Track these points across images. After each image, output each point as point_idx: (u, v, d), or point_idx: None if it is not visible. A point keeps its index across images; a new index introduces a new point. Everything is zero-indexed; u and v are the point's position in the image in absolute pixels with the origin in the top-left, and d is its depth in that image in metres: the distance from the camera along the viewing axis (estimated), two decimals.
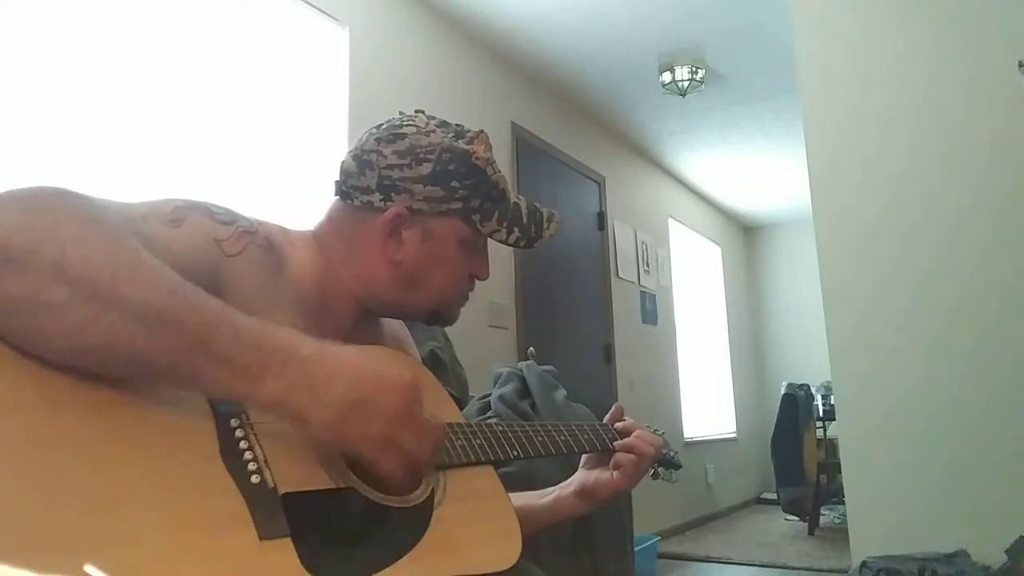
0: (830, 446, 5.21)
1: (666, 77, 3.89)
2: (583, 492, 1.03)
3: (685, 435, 5.24)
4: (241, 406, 0.67)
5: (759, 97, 4.30)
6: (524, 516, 0.92)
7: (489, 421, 0.95)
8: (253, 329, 0.63)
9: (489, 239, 0.92)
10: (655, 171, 5.42)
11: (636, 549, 2.41)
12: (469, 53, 3.52)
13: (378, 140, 0.86)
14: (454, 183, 0.86)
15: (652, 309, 5.04)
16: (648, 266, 5.05)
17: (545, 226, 0.93)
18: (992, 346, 2.13)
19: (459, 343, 2.34)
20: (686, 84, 3.87)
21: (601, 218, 4.50)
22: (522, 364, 2.26)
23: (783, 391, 5.13)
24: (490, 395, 2.13)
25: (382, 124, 0.89)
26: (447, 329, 2.19)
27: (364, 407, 0.65)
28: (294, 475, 0.67)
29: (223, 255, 0.76)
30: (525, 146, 3.81)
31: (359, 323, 0.89)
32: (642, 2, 3.29)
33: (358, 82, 2.79)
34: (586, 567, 1.88)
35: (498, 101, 3.68)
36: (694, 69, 3.83)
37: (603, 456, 1.05)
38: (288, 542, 0.62)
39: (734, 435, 6.20)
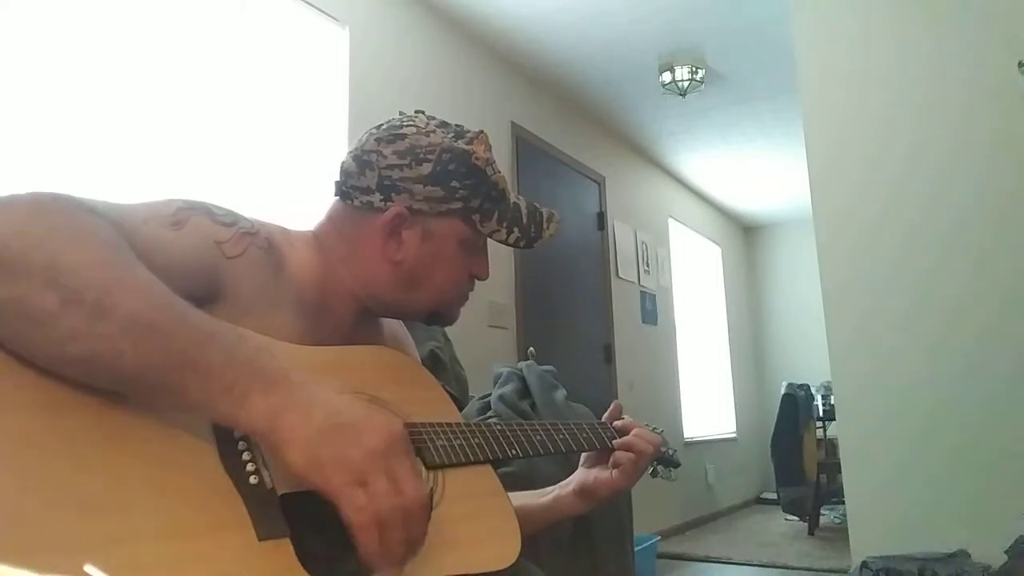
0: (830, 446, 5.21)
1: (666, 77, 3.89)
2: (583, 491, 1.03)
3: (685, 435, 5.24)
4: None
5: (759, 97, 4.30)
6: (523, 515, 0.92)
7: (489, 421, 0.95)
8: (244, 351, 0.62)
9: (489, 239, 0.92)
10: (655, 171, 5.42)
11: (636, 549, 2.41)
12: (469, 53, 3.52)
13: (378, 140, 0.86)
14: (454, 183, 0.86)
15: (652, 309, 5.04)
16: (648, 266, 5.05)
17: (545, 226, 0.93)
18: (992, 346, 2.13)
19: (459, 343, 2.34)
20: (686, 84, 3.87)
21: (601, 218, 4.50)
22: (522, 364, 2.26)
23: (783, 391, 5.12)
24: (490, 395, 2.13)
25: (382, 124, 0.89)
26: (447, 329, 2.19)
27: (346, 434, 0.62)
28: (292, 475, 0.67)
29: (224, 257, 0.76)
30: (525, 146, 3.81)
31: (359, 323, 0.89)
32: (642, 2, 3.29)
33: (358, 82, 2.79)
34: (586, 567, 1.88)
35: (498, 101, 3.68)
36: (694, 69, 3.83)
37: (602, 455, 1.04)
38: (287, 542, 0.62)
39: (734, 435, 6.20)
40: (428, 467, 0.79)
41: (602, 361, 4.31)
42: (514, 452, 0.91)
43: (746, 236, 7.27)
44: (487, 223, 0.89)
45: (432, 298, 0.90)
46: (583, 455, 1.07)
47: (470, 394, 2.26)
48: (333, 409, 0.63)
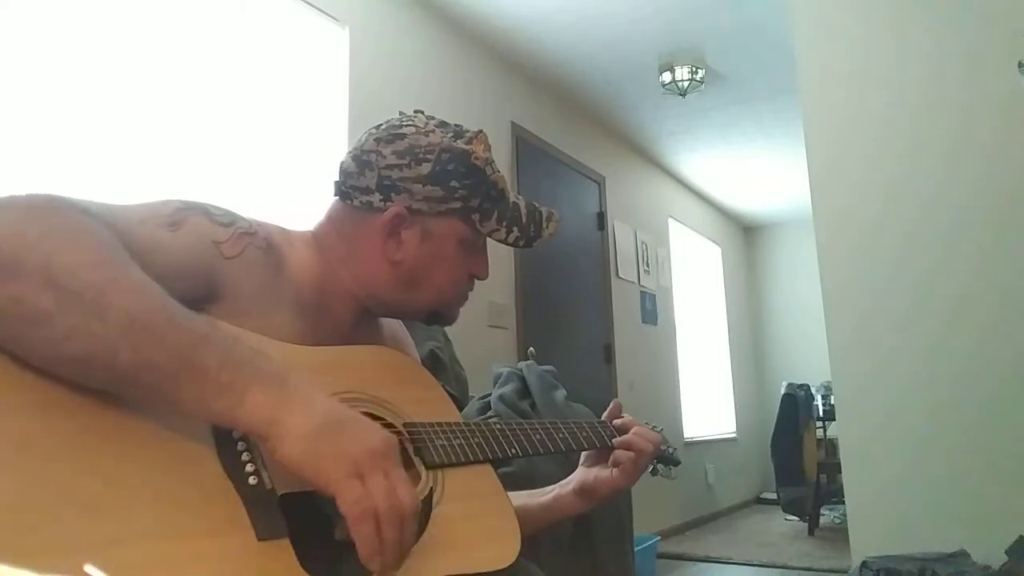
0: (830, 446, 5.21)
1: (666, 77, 3.89)
2: (583, 490, 1.03)
3: (685, 435, 5.24)
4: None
5: (759, 97, 4.30)
6: (523, 515, 0.92)
7: (489, 421, 0.95)
8: (241, 351, 0.62)
9: (489, 239, 0.92)
10: (655, 171, 5.42)
11: (636, 549, 2.40)
12: (469, 53, 3.52)
13: (377, 140, 0.86)
14: (453, 183, 0.86)
15: (652, 309, 5.04)
16: (648, 266, 5.05)
17: (544, 225, 0.93)
18: (992, 346, 2.13)
19: (459, 343, 2.34)
20: (686, 84, 3.87)
21: (601, 218, 4.50)
22: (522, 364, 2.26)
23: (783, 391, 5.12)
24: (490, 395, 2.13)
25: (381, 124, 0.89)
26: (447, 329, 2.19)
27: (345, 431, 0.63)
28: (292, 476, 0.66)
29: (222, 257, 0.76)
30: (525, 146, 3.81)
31: (358, 323, 0.89)
32: (642, 2, 3.29)
33: (358, 82, 2.79)
34: (586, 567, 1.88)
35: (498, 101, 3.68)
36: (694, 69, 3.83)
37: (602, 454, 1.04)
38: (286, 542, 0.62)
39: (734, 435, 6.20)
40: (428, 467, 0.79)
41: (602, 361, 4.31)
42: (514, 451, 0.91)
43: (746, 236, 7.27)
44: (487, 222, 0.89)
45: (432, 298, 0.90)
46: (583, 454, 1.07)
47: (470, 394, 2.26)
48: (331, 408, 0.63)
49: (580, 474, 1.05)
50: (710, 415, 5.86)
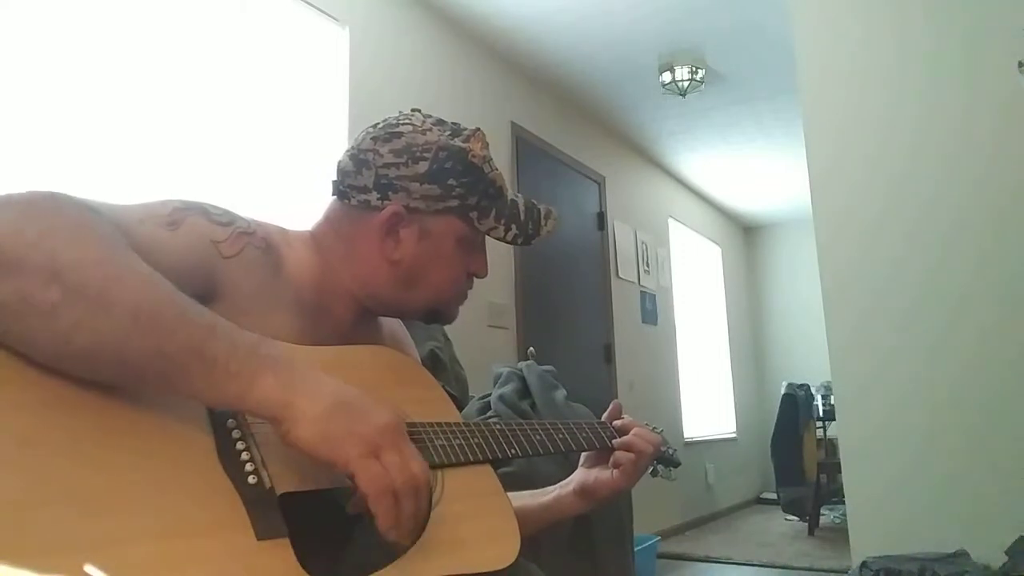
0: (830, 446, 5.21)
1: (666, 77, 3.89)
2: (583, 491, 1.03)
3: (685, 435, 5.24)
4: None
5: (759, 97, 4.30)
6: (523, 515, 0.92)
7: (489, 421, 0.95)
8: (248, 338, 0.64)
9: (487, 237, 0.92)
10: (655, 171, 5.42)
11: (636, 549, 2.40)
12: (469, 53, 3.52)
13: (374, 139, 0.86)
14: (451, 181, 0.86)
15: (652, 309, 5.04)
16: (648, 266, 5.05)
17: (543, 223, 0.93)
18: (992, 346, 2.13)
19: (459, 343, 2.34)
20: (686, 84, 3.87)
21: (601, 218, 4.50)
22: (522, 364, 2.26)
23: (783, 391, 5.12)
24: (490, 395, 2.13)
25: (378, 123, 0.89)
26: (447, 329, 2.19)
27: (355, 411, 0.64)
28: (291, 475, 0.67)
29: (220, 256, 0.76)
30: (525, 146, 3.81)
31: (358, 323, 0.89)
32: (642, 2, 3.29)
33: (358, 82, 2.79)
34: (586, 567, 1.88)
35: (498, 101, 3.68)
36: (694, 69, 3.83)
37: (602, 455, 1.04)
38: (286, 542, 0.62)
39: (734, 435, 6.20)
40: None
41: (602, 361, 4.31)
42: (513, 452, 0.91)
43: (746, 236, 7.27)
44: (485, 220, 0.89)
45: (431, 296, 0.90)
46: (583, 455, 1.07)
47: (470, 394, 2.26)
48: (339, 389, 0.65)
49: (580, 475, 1.05)
50: (710, 415, 5.86)
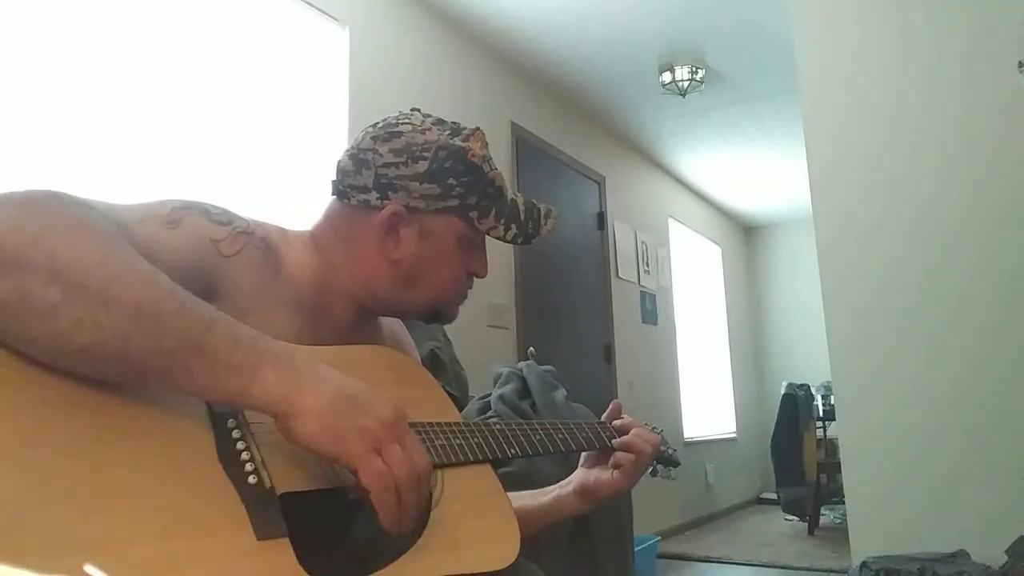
0: (830, 446, 5.21)
1: (666, 77, 3.89)
2: (583, 491, 1.03)
3: (685, 435, 5.24)
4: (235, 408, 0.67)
5: (759, 97, 4.30)
6: (523, 515, 0.92)
7: (489, 421, 0.95)
8: (248, 332, 0.64)
9: (487, 236, 0.92)
10: (655, 171, 5.42)
11: (636, 549, 2.40)
12: (469, 53, 3.52)
13: (374, 139, 0.86)
14: (451, 180, 0.86)
15: (652, 309, 5.04)
16: (648, 266, 5.05)
17: (543, 222, 0.93)
18: (992, 346, 2.13)
19: (459, 343, 2.34)
20: (686, 84, 3.87)
21: (601, 218, 4.50)
22: (522, 364, 2.26)
23: (783, 391, 5.12)
24: (490, 395, 2.13)
25: (378, 123, 0.89)
26: (447, 328, 2.19)
27: (358, 405, 0.65)
28: (291, 475, 0.67)
29: (220, 255, 0.76)
30: (525, 146, 3.81)
31: (357, 323, 0.89)
32: (642, 2, 3.29)
33: (358, 82, 2.79)
34: (586, 567, 1.88)
35: (498, 101, 3.68)
36: (694, 69, 3.83)
37: (602, 455, 1.04)
38: (286, 542, 0.62)
39: (734, 435, 6.20)
40: None
41: (602, 361, 4.31)
42: (513, 452, 0.91)
43: (746, 236, 7.27)
44: (485, 220, 0.89)
45: (431, 296, 0.90)
46: (583, 455, 1.07)
47: (470, 394, 2.26)
48: (340, 384, 0.65)
49: (580, 475, 1.05)
50: (710, 415, 5.86)
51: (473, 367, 2.41)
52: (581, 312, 4.17)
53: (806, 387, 5.14)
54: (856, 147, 2.42)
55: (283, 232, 0.86)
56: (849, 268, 2.38)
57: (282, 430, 0.63)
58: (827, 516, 5.01)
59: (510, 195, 0.92)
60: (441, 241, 0.87)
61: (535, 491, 1.06)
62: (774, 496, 5.54)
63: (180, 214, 0.75)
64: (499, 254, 3.29)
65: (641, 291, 4.91)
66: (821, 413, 5.12)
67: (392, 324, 1.00)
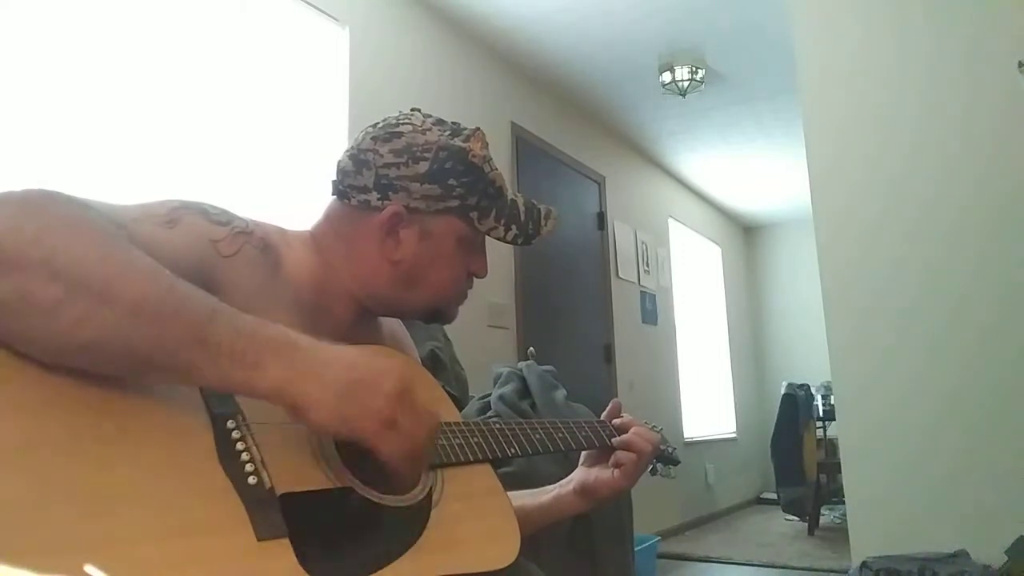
0: (830, 446, 5.21)
1: (666, 77, 3.89)
2: (583, 490, 1.03)
3: (685, 435, 5.24)
4: (237, 406, 0.67)
5: (759, 97, 4.30)
6: (524, 515, 0.92)
7: (488, 420, 0.95)
8: (249, 321, 0.64)
9: (487, 237, 0.92)
10: (655, 171, 5.42)
11: (636, 549, 2.40)
12: (469, 53, 3.52)
13: (374, 139, 0.86)
14: (451, 181, 0.86)
15: (652, 309, 5.04)
16: (648, 266, 5.05)
17: (543, 223, 0.93)
18: (992, 346, 2.13)
19: (459, 343, 2.34)
20: (686, 84, 3.87)
21: (601, 218, 4.50)
22: (522, 364, 2.26)
23: (783, 391, 5.12)
24: (490, 395, 2.13)
25: (378, 123, 0.89)
26: (447, 328, 2.19)
27: (364, 387, 0.65)
28: (291, 475, 0.67)
29: (219, 255, 0.76)
30: (525, 146, 3.81)
31: (357, 323, 0.89)
32: (642, 2, 3.29)
33: (358, 82, 2.79)
34: (586, 566, 1.88)
35: (498, 101, 3.68)
36: (694, 69, 3.83)
37: (602, 454, 1.04)
38: (286, 542, 0.62)
39: (734, 435, 6.20)
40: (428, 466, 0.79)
41: (602, 361, 4.31)
42: (513, 451, 0.91)
43: (746, 236, 7.27)
44: (485, 220, 0.89)
45: (431, 297, 0.89)
46: (583, 454, 1.07)
47: (470, 394, 2.26)
48: (345, 365, 0.65)
49: (580, 474, 1.05)
50: (710, 415, 5.86)
51: (473, 367, 2.41)
52: (581, 312, 4.17)
53: (806, 387, 5.14)
54: (856, 147, 2.42)
55: (282, 232, 0.86)
56: (849, 268, 2.38)
57: (294, 418, 0.64)
58: (827, 516, 5.01)
59: (510, 195, 0.92)
60: (441, 242, 0.87)
61: (535, 490, 1.06)
62: (774, 496, 5.54)
63: (178, 214, 0.75)
64: (499, 254, 3.29)
65: (641, 291, 4.91)
66: (821, 413, 5.12)
67: (392, 324, 1.00)
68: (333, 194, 0.89)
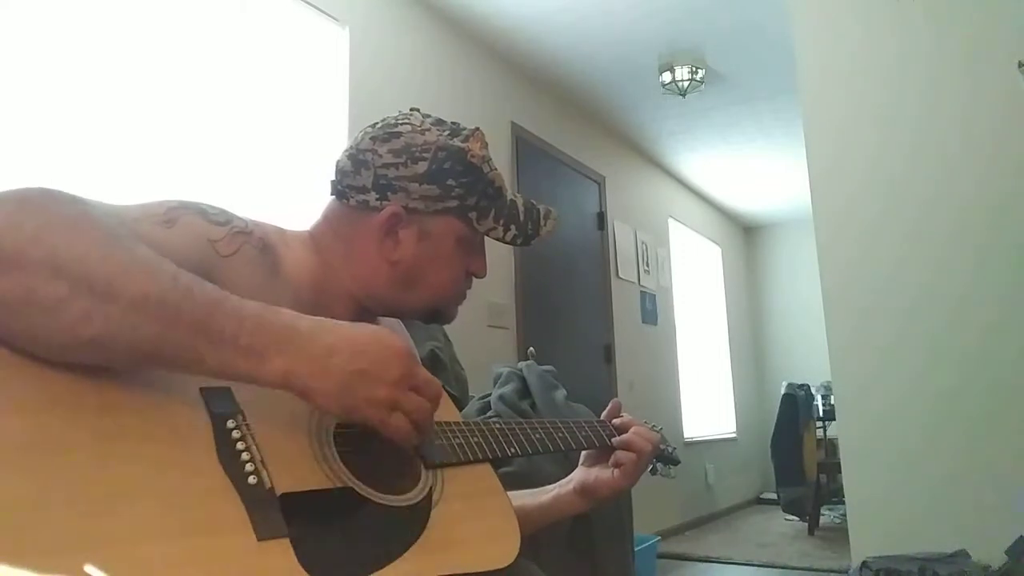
0: (830, 446, 5.21)
1: (666, 77, 3.89)
2: (583, 490, 1.03)
3: (685, 435, 5.24)
4: (237, 406, 0.67)
5: (759, 97, 4.30)
6: (524, 515, 0.92)
7: (488, 420, 0.95)
8: (252, 309, 0.64)
9: (486, 237, 0.92)
10: (655, 171, 5.42)
11: (636, 549, 2.40)
12: (469, 53, 3.52)
13: (373, 139, 0.86)
14: (450, 181, 0.86)
15: (652, 309, 5.04)
16: (648, 266, 5.05)
17: (542, 223, 0.93)
18: (992, 346, 2.13)
19: (459, 343, 2.34)
20: (686, 84, 3.87)
21: (601, 218, 4.50)
22: (522, 364, 2.26)
23: (783, 391, 5.12)
24: (490, 395, 2.13)
25: (377, 123, 0.89)
26: (447, 328, 2.19)
27: (367, 377, 0.66)
28: (291, 475, 0.67)
29: (217, 255, 0.75)
30: (525, 146, 3.81)
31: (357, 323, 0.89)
32: (642, 2, 3.29)
33: (358, 82, 2.79)
34: (586, 566, 1.88)
35: (498, 101, 3.68)
36: (694, 69, 3.83)
37: (602, 454, 1.04)
38: (286, 542, 0.62)
39: (734, 435, 6.20)
40: (427, 466, 0.79)
41: (602, 361, 4.31)
42: (513, 451, 0.91)
43: (746, 236, 7.27)
44: (484, 221, 0.89)
45: (430, 297, 0.89)
46: (583, 454, 1.07)
47: (470, 394, 2.26)
48: (349, 352, 0.67)
49: (580, 474, 1.05)
50: (710, 415, 5.86)
51: (473, 367, 2.41)
52: (581, 312, 4.17)
53: (806, 387, 5.14)
54: (856, 147, 2.42)
55: (281, 232, 0.86)
56: (849, 268, 2.38)
57: (304, 401, 0.66)
58: (827, 516, 5.01)
59: (509, 196, 0.92)
60: (440, 242, 0.87)
61: (535, 490, 1.06)
62: (774, 496, 5.54)
63: (176, 214, 0.75)
64: (499, 254, 3.29)
65: (641, 291, 4.91)
66: (821, 413, 5.12)
67: (391, 324, 1.00)
68: (332, 194, 0.89)
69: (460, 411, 1.71)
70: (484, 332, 3.29)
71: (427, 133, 0.86)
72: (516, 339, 3.52)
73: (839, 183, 2.44)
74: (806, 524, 4.80)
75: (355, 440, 0.75)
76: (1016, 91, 2.18)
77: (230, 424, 0.66)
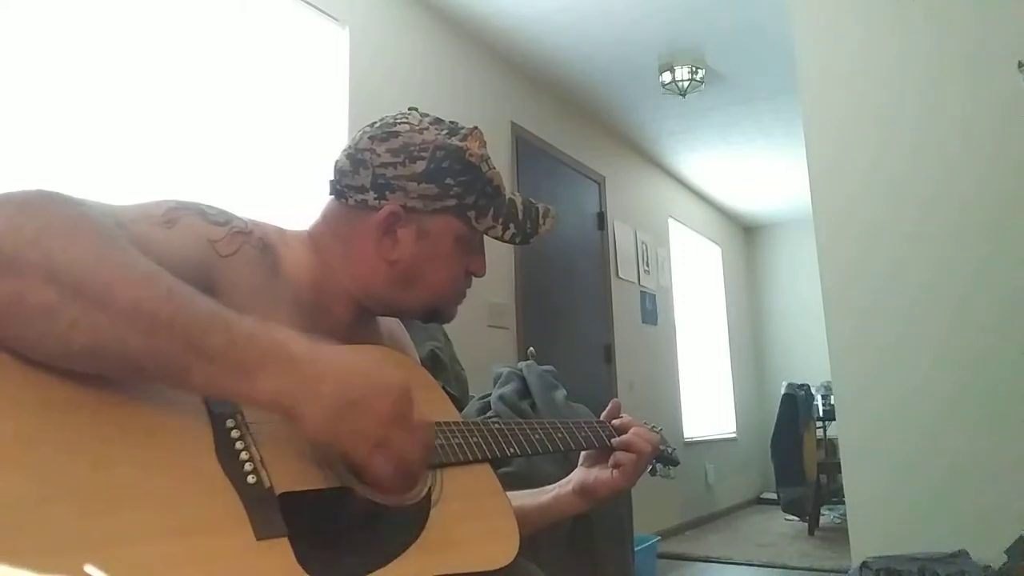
0: (830, 446, 5.21)
1: (666, 77, 3.89)
2: (583, 490, 1.03)
3: (685, 435, 5.24)
4: (237, 406, 0.67)
5: (759, 97, 4.30)
6: (523, 515, 0.92)
7: (488, 420, 0.95)
8: (246, 328, 0.63)
9: (486, 236, 0.92)
10: (655, 171, 5.42)
11: (636, 549, 2.40)
12: (469, 53, 3.52)
13: (371, 139, 0.86)
14: (448, 180, 0.86)
15: (652, 309, 5.04)
16: (648, 266, 5.05)
17: (541, 221, 0.93)
18: (992, 346, 2.13)
19: (459, 343, 2.34)
20: (686, 84, 3.87)
21: (601, 218, 4.50)
22: (522, 364, 2.26)
23: (783, 391, 5.12)
24: (490, 395, 2.13)
25: (375, 122, 0.89)
26: (447, 328, 2.19)
27: (357, 408, 0.64)
28: (290, 475, 0.67)
29: (217, 256, 0.75)
30: (525, 146, 3.81)
31: (356, 323, 0.89)
32: (642, 2, 3.29)
33: (358, 82, 2.79)
34: (585, 566, 1.88)
35: (498, 101, 3.68)
36: (694, 69, 3.83)
37: (602, 454, 1.04)
38: (285, 542, 0.62)
39: (734, 435, 6.20)
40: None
41: (602, 361, 4.31)
42: (512, 451, 0.91)
43: (746, 236, 7.27)
44: (482, 220, 0.89)
45: (429, 296, 0.89)
46: (582, 454, 1.07)
47: (470, 394, 2.26)
48: (342, 381, 0.65)
49: (580, 474, 1.05)
50: (710, 415, 5.86)
51: (473, 367, 2.41)
52: (581, 312, 4.17)
53: (806, 387, 5.14)
54: (856, 147, 2.42)
55: (281, 232, 0.86)
56: (849, 268, 2.38)
57: (294, 425, 0.64)
58: (827, 516, 5.01)
59: (508, 194, 0.92)
60: (439, 241, 0.87)
61: (535, 490, 1.06)
62: (774, 496, 5.54)
63: (176, 214, 0.74)
64: (499, 254, 3.29)
65: (641, 291, 4.91)
66: (821, 413, 5.12)
67: (391, 324, 1.00)
68: (331, 194, 0.89)
69: (460, 411, 1.71)
70: (484, 332, 3.29)
71: (425, 132, 0.86)
72: (516, 339, 3.52)
73: (839, 183, 2.44)
74: (806, 524, 4.80)
75: None
76: (1016, 91, 2.18)
77: (229, 424, 0.66)
